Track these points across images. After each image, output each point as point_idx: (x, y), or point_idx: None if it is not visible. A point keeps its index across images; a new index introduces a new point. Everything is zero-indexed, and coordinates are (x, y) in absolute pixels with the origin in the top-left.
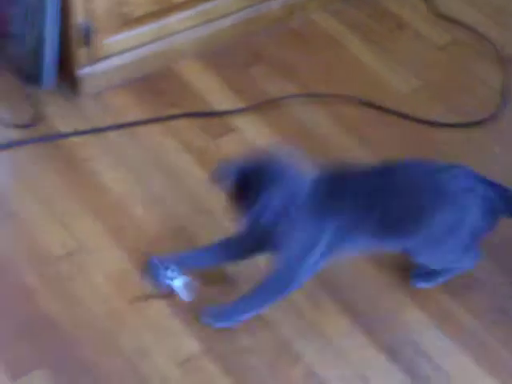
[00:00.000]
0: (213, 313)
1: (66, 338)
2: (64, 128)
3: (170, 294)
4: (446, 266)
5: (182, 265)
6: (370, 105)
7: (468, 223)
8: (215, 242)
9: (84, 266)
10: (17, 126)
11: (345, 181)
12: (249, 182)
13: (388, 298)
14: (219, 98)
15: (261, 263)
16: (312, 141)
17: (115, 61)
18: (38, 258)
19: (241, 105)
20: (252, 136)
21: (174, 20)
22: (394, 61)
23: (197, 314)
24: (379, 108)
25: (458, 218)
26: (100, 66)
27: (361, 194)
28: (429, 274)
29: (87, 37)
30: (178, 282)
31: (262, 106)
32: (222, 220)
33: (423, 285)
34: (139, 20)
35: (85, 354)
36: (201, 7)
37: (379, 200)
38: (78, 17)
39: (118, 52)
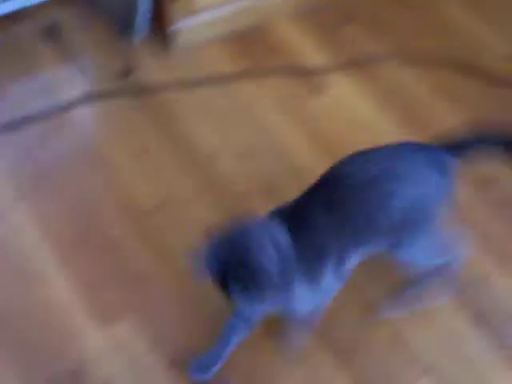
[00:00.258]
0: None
1: (154, 287)
2: (155, 81)
3: None
4: (429, 262)
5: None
6: (466, 68)
7: (431, 199)
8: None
9: (172, 219)
10: (109, 78)
11: (301, 217)
12: (233, 261)
13: (478, 263)
14: (311, 56)
15: None
16: (403, 103)
17: (209, 15)
18: (127, 208)
19: (333, 64)
20: (343, 96)
21: None
22: (494, 22)
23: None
24: (476, 71)
25: (419, 196)
26: (193, 21)
27: (320, 225)
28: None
29: None
30: None
31: (355, 66)
32: (311, 179)
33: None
34: None
35: (173, 304)
36: None
37: (337, 220)
38: None
39: (212, 7)
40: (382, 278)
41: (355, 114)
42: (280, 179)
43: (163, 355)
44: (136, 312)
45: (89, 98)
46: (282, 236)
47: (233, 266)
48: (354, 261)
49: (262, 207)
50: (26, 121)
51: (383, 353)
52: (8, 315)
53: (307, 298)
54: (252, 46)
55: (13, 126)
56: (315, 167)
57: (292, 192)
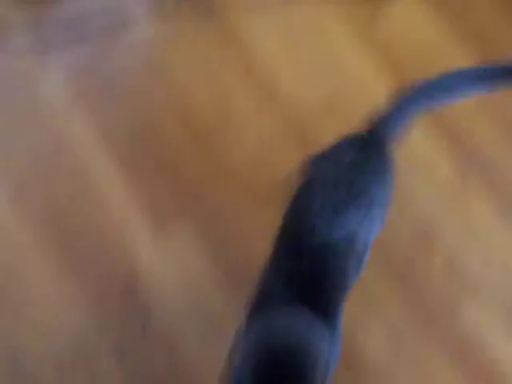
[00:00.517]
0: None
1: (210, 200)
2: None
3: None
4: None
5: None
6: None
7: (387, 203)
8: None
9: (232, 134)
10: None
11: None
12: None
13: None
14: None
15: None
16: (472, 25)
17: None
18: (186, 122)
19: None
20: (410, 16)
21: None
22: None
23: None
24: None
25: (379, 211)
26: None
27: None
28: None
29: None
30: None
31: None
32: (375, 98)
33: None
34: None
35: (229, 216)
36: None
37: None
38: None
39: None
40: (439, 194)
41: (422, 34)
42: (343, 99)
43: (217, 266)
44: (191, 223)
45: (153, 13)
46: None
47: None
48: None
49: (324, 125)
50: (90, 35)
51: (437, 277)
52: (63, 220)
53: None
54: None
55: (77, 39)
56: (378, 87)
57: (356, 113)
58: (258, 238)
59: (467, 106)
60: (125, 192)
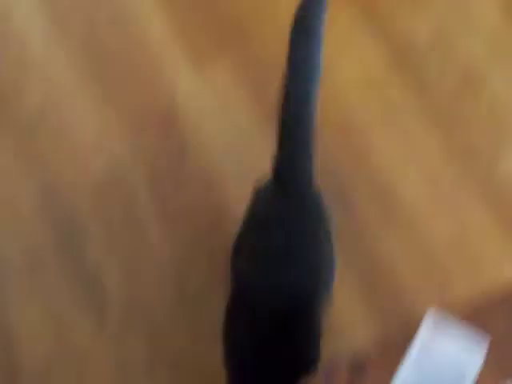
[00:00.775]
0: None
1: (253, 41)
2: None
3: None
4: None
5: None
6: None
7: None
8: None
9: None
10: None
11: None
12: None
13: None
14: None
15: None
16: None
17: None
18: None
19: None
20: None
21: None
22: None
23: None
24: None
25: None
26: None
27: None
28: None
29: None
30: None
31: None
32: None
33: None
34: None
35: (267, 46)
36: None
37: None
38: None
39: None
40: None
41: None
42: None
43: (254, 100)
44: (230, 59)
45: None
46: None
47: None
48: None
49: None
50: None
51: (481, 123)
52: (103, 47)
53: None
54: None
55: None
56: None
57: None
58: None
59: None
60: (166, 26)
